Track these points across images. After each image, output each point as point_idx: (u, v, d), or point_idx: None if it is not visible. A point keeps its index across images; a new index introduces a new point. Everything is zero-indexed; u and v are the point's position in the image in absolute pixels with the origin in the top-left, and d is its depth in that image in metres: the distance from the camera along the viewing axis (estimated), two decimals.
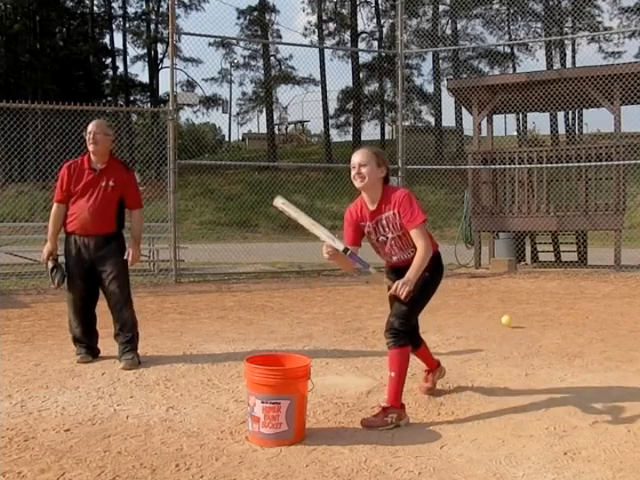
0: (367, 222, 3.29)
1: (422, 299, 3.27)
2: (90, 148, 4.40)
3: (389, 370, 3.18)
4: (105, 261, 4.39)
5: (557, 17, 29.46)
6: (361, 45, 35.61)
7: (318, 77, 33.96)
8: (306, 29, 37.09)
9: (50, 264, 4.40)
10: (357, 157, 3.23)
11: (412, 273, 3.05)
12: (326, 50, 33.40)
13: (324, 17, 35.56)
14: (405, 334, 3.19)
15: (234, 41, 35.86)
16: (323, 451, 2.79)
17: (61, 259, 4.50)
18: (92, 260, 4.39)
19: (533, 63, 40.14)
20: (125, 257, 4.40)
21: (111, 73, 37.03)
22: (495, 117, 12.97)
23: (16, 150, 11.26)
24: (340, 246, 3.11)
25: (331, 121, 35.08)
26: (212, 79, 36.09)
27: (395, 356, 3.16)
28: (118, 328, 4.45)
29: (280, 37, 37.08)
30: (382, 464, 2.65)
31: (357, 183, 3.24)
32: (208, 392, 3.72)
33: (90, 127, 4.42)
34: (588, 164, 10.44)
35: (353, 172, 3.22)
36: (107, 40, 36.99)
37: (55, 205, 4.46)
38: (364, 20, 37.35)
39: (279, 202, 3.29)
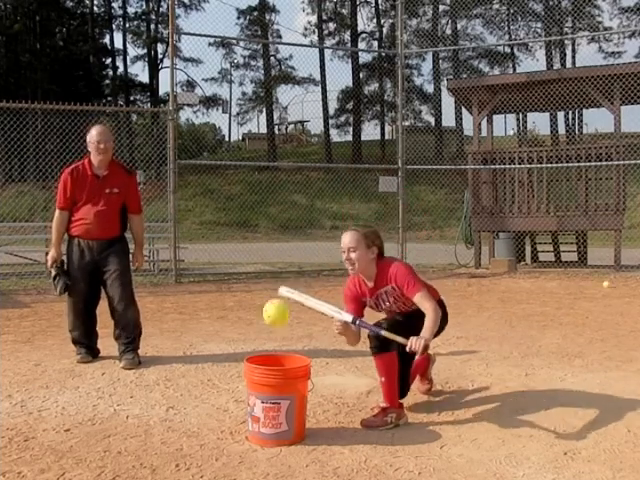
0: (367, 297, 3.30)
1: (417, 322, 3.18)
2: (98, 157, 4.34)
3: (378, 375, 3.19)
4: (108, 261, 4.39)
5: (557, 17, 29.46)
6: (361, 45, 35.65)
7: (318, 77, 34.00)
8: (306, 29, 37.14)
9: (53, 272, 4.40)
10: (346, 240, 3.19)
11: (426, 332, 2.97)
12: (326, 50, 33.44)
13: (324, 17, 35.57)
14: (389, 340, 3.13)
15: (234, 41, 35.87)
16: (323, 451, 2.79)
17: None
18: (95, 261, 4.39)
19: (533, 63, 40.12)
20: (131, 265, 4.42)
21: (111, 73, 37.04)
22: (495, 117, 12.97)
23: (16, 150, 11.26)
24: (349, 318, 3.11)
25: (331, 121, 35.13)
26: (212, 79, 36.13)
27: (381, 362, 3.15)
28: (121, 328, 4.44)
29: (280, 37, 37.13)
30: (382, 464, 2.65)
31: (348, 269, 3.23)
32: (208, 392, 3.72)
33: (95, 136, 4.32)
34: (588, 164, 10.44)
35: (343, 256, 3.20)
36: (107, 40, 37.04)
37: (58, 212, 4.42)
38: (364, 20, 37.43)
39: (283, 291, 3.29)
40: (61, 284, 4.36)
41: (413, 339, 2.89)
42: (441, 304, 3.30)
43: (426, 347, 2.88)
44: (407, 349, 2.92)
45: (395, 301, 3.25)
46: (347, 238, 3.19)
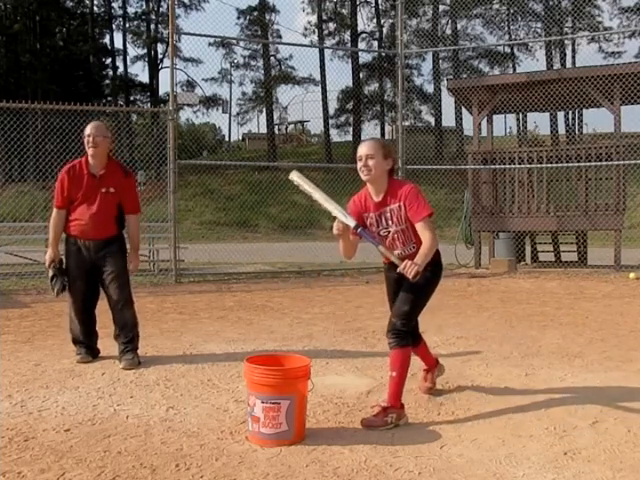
0: (370, 213, 3.28)
1: (423, 298, 3.27)
2: (89, 152, 4.34)
3: (390, 370, 3.18)
4: (106, 261, 4.38)
5: (557, 17, 29.46)
6: (361, 45, 35.69)
7: (318, 77, 34.04)
8: (306, 29, 37.22)
9: (50, 272, 4.38)
10: (364, 149, 3.21)
11: (420, 259, 3.04)
12: (326, 50, 33.48)
13: (324, 17, 35.60)
14: (407, 334, 3.20)
15: (234, 41, 35.90)
16: (323, 451, 2.79)
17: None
18: (92, 261, 4.38)
19: (533, 63, 40.12)
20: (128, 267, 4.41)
21: (111, 73, 37.08)
22: (495, 117, 12.97)
23: (16, 150, 11.25)
24: (352, 223, 3.13)
25: (331, 121, 35.16)
26: (212, 79, 36.19)
27: (397, 356, 3.16)
28: (119, 328, 4.45)
29: (280, 37, 37.17)
30: (382, 464, 2.65)
31: (363, 175, 3.22)
32: (208, 392, 3.72)
33: (88, 130, 4.34)
34: (588, 164, 10.44)
35: (360, 164, 3.20)
36: (107, 40, 37.11)
37: (55, 211, 4.41)
38: (364, 20, 37.45)
39: (295, 176, 3.33)
40: (58, 285, 4.34)
41: (407, 262, 2.98)
42: (438, 255, 3.30)
43: (417, 273, 2.95)
44: (399, 270, 3.00)
45: (397, 222, 3.21)
46: (366, 145, 3.22)
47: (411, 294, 3.21)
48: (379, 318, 5.83)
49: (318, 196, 3.24)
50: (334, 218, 3.17)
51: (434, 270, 3.27)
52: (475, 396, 3.62)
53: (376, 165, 3.18)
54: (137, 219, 4.60)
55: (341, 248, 3.33)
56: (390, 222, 3.24)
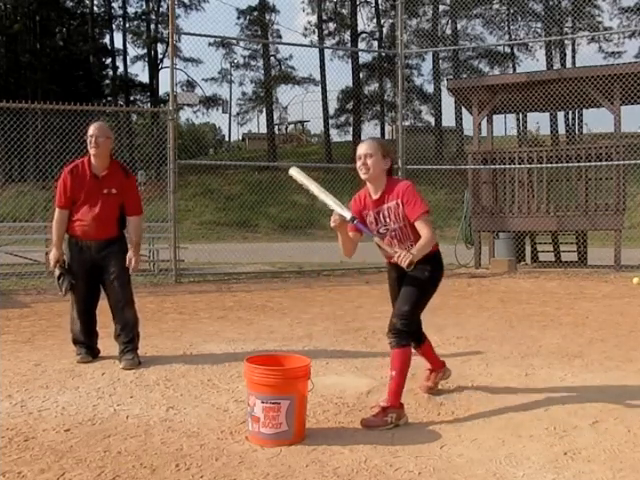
0: (369, 211, 3.33)
1: (423, 298, 3.28)
2: (92, 152, 4.34)
3: (390, 369, 3.19)
4: (107, 261, 4.38)
5: (557, 17, 29.46)
6: (361, 45, 35.67)
7: (318, 77, 34.02)
8: (306, 29, 37.19)
9: (57, 272, 4.37)
10: (363, 148, 3.27)
11: (416, 249, 3.10)
12: (326, 50, 33.45)
13: (324, 17, 35.58)
14: (407, 334, 3.20)
15: (234, 41, 35.88)
16: (323, 451, 2.79)
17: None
18: (94, 261, 4.38)
19: (533, 63, 40.22)
20: (127, 265, 4.39)
21: (111, 73, 37.06)
22: (495, 117, 12.97)
23: (16, 150, 11.25)
24: (348, 215, 3.19)
25: (331, 121, 35.14)
26: (212, 79, 36.17)
27: (397, 356, 3.17)
28: (120, 328, 4.44)
29: (280, 37, 37.16)
30: (382, 464, 2.65)
31: (362, 174, 3.28)
32: (208, 392, 3.72)
33: (91, 130, 4.34)
34: (588, 164, 10.44)
35: (359, 163, 3.26)
36: (107, 40, 37.09)
37: (57, 211, 4.40)
38: (364, 20, 37.43)
39: (294, 171, 3.44)
40: (66, 284, 4.34)
41: (402, 252, 3.03)
42: (438, 255, 3.34)
43: (411, 262, 3.00)
44: (394, 259, 3.06)
45: (395, 220, 3.25)
46: (365, 145, 3.28)
47: (411, 294, 3.22)
48: (379, 318, 5.83)
49: (314, 189, 3.33)
50: (332, 212, 3.22)
51: (435, 270, 3.28)
52: (475, 396, 3.62)
53: (374, 164, 3.23)
54: (139, 220, 4.55)
55: (341, 245, 3.37)
56: (388, 219, 3.28)
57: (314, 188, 3.33)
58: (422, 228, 3.17)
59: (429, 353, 3.66)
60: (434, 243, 3.20)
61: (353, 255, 3.44)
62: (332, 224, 3.19)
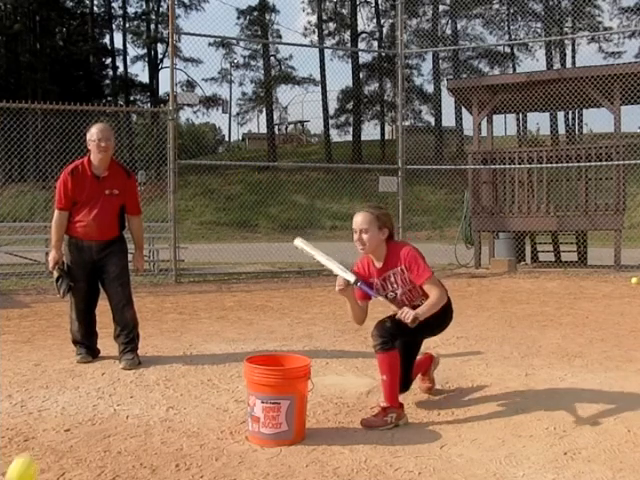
0: (375, 279, 3.29)
1: (424, 328, 3.18)
2: (98, 156, 4.29)
3: (380, 374, 3.18)
4: (107, 261, 4.38)
5: (557, 17, 29.45)
6: (361, 45, 35.67)
7: (318, 77, 34.05)
8: (306, 29, 37.21)
9: (56, 273, 4.36)
10: (358, 222, 3.21)
11: (423, 308, 3.06)
12: (326, 50, 33.47)
13: (324, 17, 35.58)
14: (393, 337, 3.15)
15: (234, 41, 35.83)
16: (323, 451, 2.79)
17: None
18: (94, 261, 4.38)
19: (533, 63, 40.06)
20: (133, 268, 4.40)
21: (111, 73, 37.08)
22: (495, 117, 12.97)
23: (16, 150, 11.25)
24: (351, 278, 3.16)
25: (331, 121, 35.16)
26: (212, 79, 36.19)
27: (384, 360, 3.15)
28: (119, 328, 4.44)
29: (280, 37, 37.07)
30: (382, 464, 2.65)
31: (359, 249, 3.25)
32: (208, 392, 3.72)
33: (96, 134, 4.28)
34: (588, 164, 10.44)
35: (355, 236, 3.22)
36: (107, 40, 37.08)
37: (57, 212, 4.37)
38: (364, 20, 37.43)
39: (298, 241, 3.45)
40: (64, 286, 4.34)
41: (405, 309, 3.03)
42: (449, 303, 3.30)
43: (415, 319, 2.99)
44: (397, 316, 3.05)
45: (402, 285, 3.23)
46: (359, 219, 3.21)
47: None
48: (379, 318, 5.82)
49: (321, 259, 3.32)
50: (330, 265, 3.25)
51: (442, 313, 3.23)
52: (475, 396, 3.62)
53: (370, 238, 3.19)
54: (140, 220, 4.61)
55: (350, 314, 3.35)
56: (396, 285, 3.26)
57: (319, 256, 3.33)
58: (430, 289, 3.15)
59: (416, 369, 3.57)
60: (444, 302, 3.16)
61: (364, 323, 3.41)
62: (337, 288, 3.17)
